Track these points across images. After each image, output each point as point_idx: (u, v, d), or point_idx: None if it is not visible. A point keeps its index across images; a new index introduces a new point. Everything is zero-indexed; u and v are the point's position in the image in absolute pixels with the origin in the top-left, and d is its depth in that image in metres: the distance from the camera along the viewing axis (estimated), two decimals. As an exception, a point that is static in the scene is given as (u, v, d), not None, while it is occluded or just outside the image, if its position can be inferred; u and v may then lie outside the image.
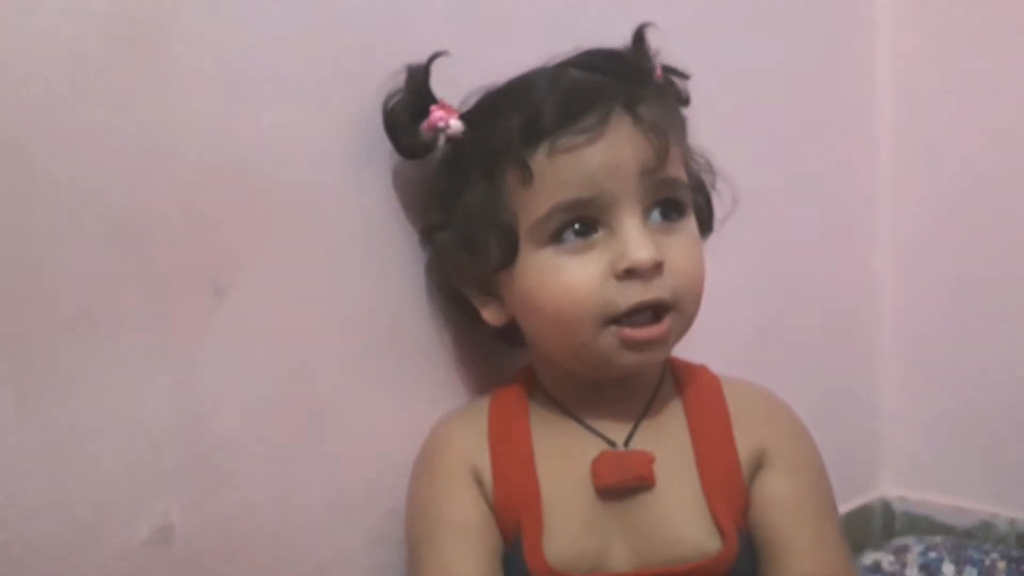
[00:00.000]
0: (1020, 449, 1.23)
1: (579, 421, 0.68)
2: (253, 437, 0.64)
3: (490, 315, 0.70)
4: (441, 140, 0.68)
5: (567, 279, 0.63)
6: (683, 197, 0.66)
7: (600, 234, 0.63)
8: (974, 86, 1.22)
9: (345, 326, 0.69)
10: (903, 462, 1.33)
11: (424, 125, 0.67)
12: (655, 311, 0.63)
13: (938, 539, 1.18)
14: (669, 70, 0.70)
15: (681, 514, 0.65)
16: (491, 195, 0.65)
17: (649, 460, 0.65)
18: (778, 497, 0.67)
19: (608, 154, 0.62)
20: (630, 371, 0.67)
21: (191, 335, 0.61)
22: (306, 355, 0.67)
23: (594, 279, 0.62)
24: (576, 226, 0.63)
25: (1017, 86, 1.18)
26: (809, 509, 0.67)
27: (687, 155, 0.69)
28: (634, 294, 0.62)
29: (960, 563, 1.10)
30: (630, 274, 0.62)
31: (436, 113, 0.66)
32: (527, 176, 0.62)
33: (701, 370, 0.73)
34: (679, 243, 0.65)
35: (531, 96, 0.63)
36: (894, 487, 1.34)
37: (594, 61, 0.66)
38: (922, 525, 1.30)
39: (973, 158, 1.22)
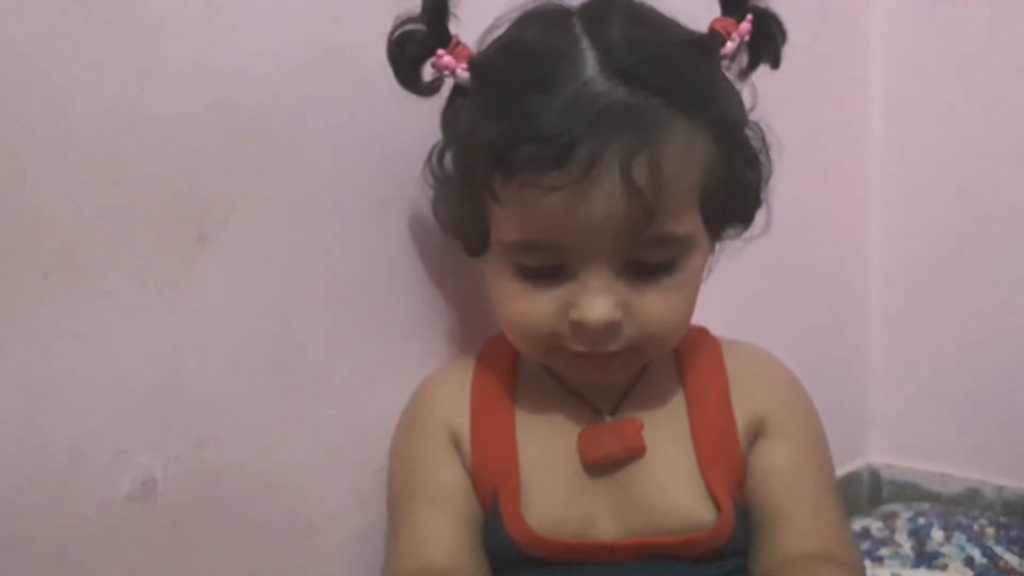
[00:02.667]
0: (1006, 417, 1.24)
1: (566, 388, 0.65)
2: (238, 392, 0.61)
3: (478, 263, 0.66)
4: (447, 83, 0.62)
5: (523, 308, 0.59)
6: (672, 250, 0.57)
7: (566, 272, 0.57)
8: (966, 63, 1.22)
9: (336, 278, 0.67)
10: (890, 430, 1.34)
11: (430, 64, 0.60)
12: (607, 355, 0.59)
13: (926, 506, 1.18)
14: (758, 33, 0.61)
15: (673, 483, 0.62)
16: (468, 189, 0.60)
17: (638, 428, 0.62)
18: (776, 469, 0.63)
19: (581, 214, 0.54)
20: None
21: (174, 284, 0.58)
22: (294, 308, 0.64)
23: (547, 317, 0.58)
24: (541, 259, 0.57)
25: (1007, 62, 1.18)
26: (808, 482, 0.64)
27: (721, 169, 0.58)
28: (582, 344, 0.58)
29: (949, 529, 1.09)
30: (579, 327, 0.57)
31: (444, 59, 0.59)
32: (495, 197, 0.56)
33: (702, 332, 0.69)
34: (658, 293, 0.57)
35: (523, 107, 0.54)
36: (881, 455, 1.34)
37: (641, 60, 0.54)
38: (909, 492, 1.31)
39: (963, 133, 1.23)
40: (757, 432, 0.65)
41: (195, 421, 0.59)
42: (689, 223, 0.57)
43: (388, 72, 0.62)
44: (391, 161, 0.69)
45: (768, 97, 0.67)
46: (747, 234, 0.65)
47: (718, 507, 0.61)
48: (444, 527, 0.61)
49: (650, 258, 0.57)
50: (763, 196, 0.64)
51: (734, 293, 1.02)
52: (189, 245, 0.59)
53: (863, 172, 1.31)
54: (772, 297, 1.09)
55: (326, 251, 0.66)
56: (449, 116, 0.63)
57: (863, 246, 1.33)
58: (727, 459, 0.63)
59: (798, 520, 0.61)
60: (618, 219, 0.54)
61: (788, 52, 0.64)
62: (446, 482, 0.63)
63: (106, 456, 0.55)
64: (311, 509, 0.65)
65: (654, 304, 0.57)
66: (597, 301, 0.55)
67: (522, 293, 0.58)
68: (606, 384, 0.63)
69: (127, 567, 0.56)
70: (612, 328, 0.56)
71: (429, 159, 0.65)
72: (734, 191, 0.60)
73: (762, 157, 0.63)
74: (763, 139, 0.63)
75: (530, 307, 0.58)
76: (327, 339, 0.66)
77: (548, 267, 0.57)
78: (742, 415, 0.64)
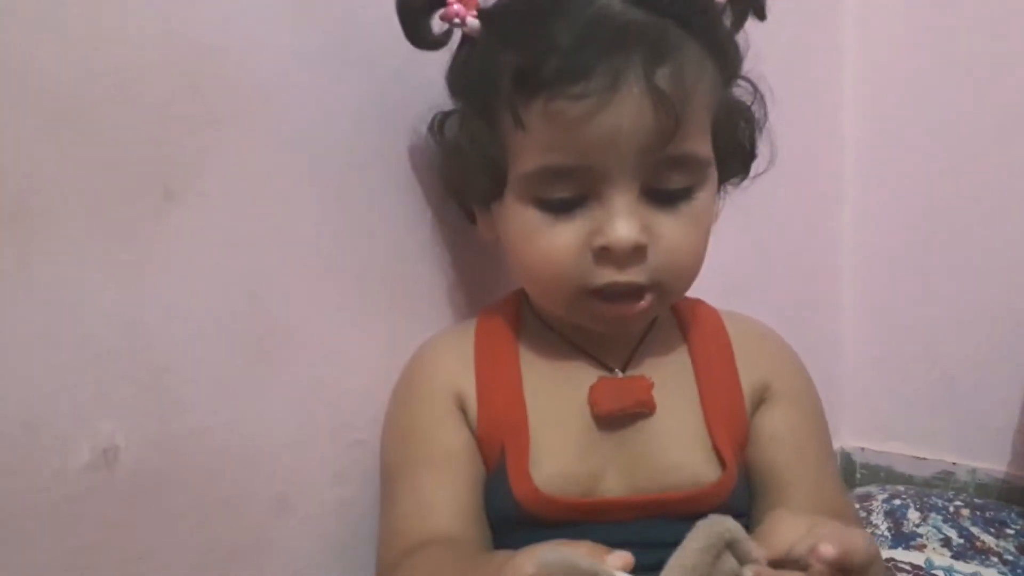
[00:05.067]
0: (980, 400, 1.24)
1: (573, 345, 0.64)
2: (206, 357, 0.58)
3: (483, 227, 0.66)
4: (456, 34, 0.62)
5: (545, 244, 0.58)
6: (692, 171, 0.58)
7: (588, 200, 0.57)
8: (938, 51, 1.22)
9: (311, 240, 0.63)
10: (863, 414, 1.34)
11: (439, 15, 0.60)
12: (632, 291, 0.58)
13: (901, 488, 1.18)
14: None
15: (680, 441, 0.61)
16: (485, 126, 0.60)
17: (649, 386, 0.62)
18: (782, 433, 0.64)
19: (607, 127, 0.54)
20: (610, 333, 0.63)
21: (139, 242, 0.55)
22: (267, 270, 0.61)
23: (570, 250, 0.57)
24: (562, 191, 0.57)
25: (977, 49, 1.19)
26: (811, 446, 0.65)
27: (722, 112, 0.61)
28: (608, 274, 0.57)
29: (925, 510, 1.09)
30: (606, 252, 0.56)
31: (453, 6, 0.60)
32: (518, 121, 0.56)
33: (699, 303, 0.70)
34: (677, 220, 0.58)
35: (542, 30, 0.55)
36: (854, 438, 1.34)
37: None
38: (882, 475, 1.31)
39: (937, 118, 1.24)
40: (761, 398, 0.65)
41: (161, 387, 0.55)
42: (705, 148, 0.59)
43: (367, 29, 0.59)
44: (369, 120, 0.66)
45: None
46: (753, 172, 0.66)
47: (723, 464, 0.61)
48: (448, 491, 0.60)
49: (670, 182, 0.57)
50: (756, 150, 0.65)
51: (707, 281, 1.01)
52: (155, 202, 0.55)
53: (836, 160, 1.31)
54: (746, 283, 1.08)
55: (301, 211, 0.63)
56: (458, 65, 0.63)
57: (836, 233, 1.33)
58: (733, 420, 0.63)
59: (805, 483, 0.62)
60: (645, 130, 0.54)
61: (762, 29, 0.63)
62: (450, 445, 0.61)
63: (64, 422, 0.51)
64: (284, 482, 0.62)
65: (674, 232, 0.58)
66: (623, 223, 0.56)
67: (544, 229, 0.58)
68: (630, 330, 0.63)
69: (86, 542, 0.52)
70: (638, 252, 0.56)
71: (432, 127, 0.65)
72: (736, 130, 0.62)
73: (755, 108, 0.64)
74: (755, 90, 0.64)
75: (553, 242, 0.57)
76: (301, 303, 0.63)
77: (570, 199, 0.57)
78: (747, 379, 0.65)
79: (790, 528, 0.46)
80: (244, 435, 0.60)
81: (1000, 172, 1.19)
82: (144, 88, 0.54)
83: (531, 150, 0.57)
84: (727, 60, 0.60)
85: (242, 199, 0.59)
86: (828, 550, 0.43)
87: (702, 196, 0.59)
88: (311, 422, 0.63)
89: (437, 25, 0.61)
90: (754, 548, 0.44)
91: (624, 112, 0.54)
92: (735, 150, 0.63)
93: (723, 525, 0.43)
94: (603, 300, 0.58)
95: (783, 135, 1.12)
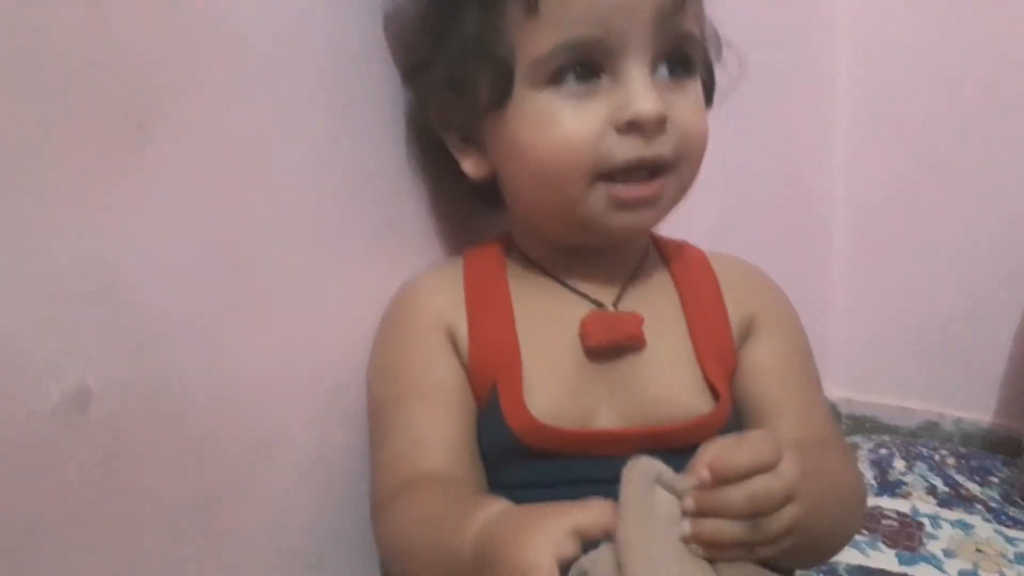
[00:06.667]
0: (964, 350, 1.24)
1: (563, 283, 0.64)
2: (181, 300, 0.55)
3: (471, 166, 0.64)
4: None
5: (563, 127, 0.57)
6: (695, 53, 0.60)
7: (603, 80, 0.57)
8: (928, 31, 1.21)
9: (290, 180, 0.61)
10: (849, 364, 1.34)
11: None
12: (651, 170, 0.58)
13: (886, 438, 1.18)
14: None
15: (672, 375, 0.62)
16: (488, 25, 0.58)
17: (639, 321, 0.61)
18: (768, 363, 0.65)
19: None
20: (617, 236, 0.62)
21: (111, 180, 0.51)
22: (245, 209, 0.58)
23: (592, 129, 0.57)
24: (577, 69, 0.57)
25: (963, 28, 1.18)
26: (799, 376, 0.66)
27: (703, 15, 0.63)
28: (633, 149, 0.57)
29: (910, 459, 1.09)
30: (632, 127, 0.56)
31: None
32: (532, 5, 0.56)
33: (685, 243, 0.71)
34: (685, 101, 0.59)
35: None
36: (840, 389, 1.34)
37: None
38: (868, 426, 1.31)
39: (927, 77, 1.23)
40: (748, 330, 0.66)
41: (135, 326, 0.53)
42: (699, 37, 0.61)
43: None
44: (353, 62, 0.64)
45: (737, 35, 0.66)
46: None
47: (715, 395, 0.61)
48: (441, 424, 0.59)
49: (681, 46, 0.59)
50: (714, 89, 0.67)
51: (694, 229, 0.99)
52: (129, 139, 0.52)
53: (827, 111, 1.30)
54: (732, 233, 1.07)
55: (281, 150, 0.60)
56: None
57: (825, 184, 1.32)
58: (722, 351, 0.64)
59: (794, 410, 0.63)
60: (658, 2, 0.56)
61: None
62: (442, 378, 0.61)
63: (32, 363, 0.48)
64: (265, 426, 0.60)
65: (685, 108, 0.59)
66: (647, 95, 0.56)
67: (562, 114, 0.57)
68: (637, 228, 0.62)
69: (57, 489, 0.50)
70: (662, 123, 0.57)
71: (410, 71, 0.65)
72: (708, 51, 0.64)
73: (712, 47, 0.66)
74: (717, 37, 0.66)
75: (578, 123, 0.57)
76: (281, 243, 0.60)
77: (587, 78, 0.57)
78: (734, 313, 0.66)
79: (716, 452, 0.46)
80: (223, 378, 0.57)
81: (990, 123, 1.19)
82: (116, 22, 0.51)
83: (545, 31, 0.56)
84: None
85: (220, 138, 0.57)
86: (699, 471, 0.45)
87: (698, 84, 0.61)
88: (292, 365, 0.61)
89: None
90: (678, 480, 0.45)
91: None
92: (707, 64, 0.65)
93: (646, 465, 0.45)
94: (622, 183, 0.58)
95: (775, 83, 1.11)
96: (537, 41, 0.57)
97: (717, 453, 0.46)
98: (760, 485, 0.45)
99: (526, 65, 0.57)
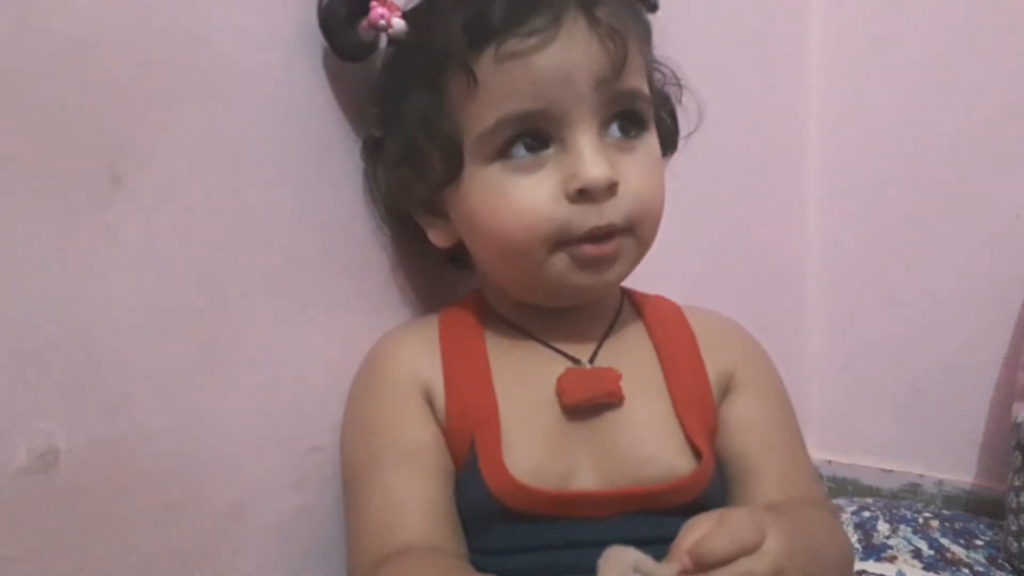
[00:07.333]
0: (946, 411, 1.23)
1: (538, 340, 0.63)
2: (154, 354, 0.54)
3: (436, 236, 0.64)
4: (383, 41, 0.62)
5: (516, 200, 0.57)
6: (643, 110, 0.61)
7: (551, 150, 0.58)
8: (899, 40, 1.23)
9: (266, 233, 0.60)
10: (830, 426, 1.33)
11: (363, 24, 0.60)
12: (607, 232, 0.58)
13: (870, 500, 1.17)
14: None
15: (652, 434, 0.60)
16: (434, 103, 0.59)
17: (617, 377, 0.61)
18: (749, 419, 0.64)
19: (560, 60, 0.56)
20: (582, 295, 0.62)
21: (83, 228, 0.51)
22: (218, 263, 0.58)
23: (543, 200, 0.57)
24: (526, 140, 0.58)
25: (937, 39, 1.20)
26: (779, 431, 0.65)
27: (650, 65, 0.64)
28: (588, 218, 0.57)
29: (894, 522, 1.08)
30: (583, 195, 0.57)
31: (376, 10, 0.60)
32: (472, 83, 0.57)
33: (659, 298, 0.70)
34: (637, 161, 0.60)
35: None
36: (821, 451, 1.33)
37: None
38: (849, 488, 1.29)
39: (901, 130, 1.24)
40: (727, 387, 0.65)
41: (105, 384, 0.52)
42: (647, 89, 0.61)
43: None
44: (330, 108, 0.64)
45: (705, 71, 0.68)
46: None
47: (697, 454, 0.60)
48: (419, 489, 0.57)
49: (626, 106, 0.59)
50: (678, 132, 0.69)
51: (670, 287, 0.99)
52: (101, 186, 0.52)
53: (800, 167, 1.31)
54: (708, 291, 1.06)
55: (258, 202, 0.60)
56: (389, 64, 0.64)
57: (802, 245, 1.32)
58: (702, 409, 0.62)
59: (776, 469, 0.62)
60: (597, 61, 0.56)
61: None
62: (420, 439, 0.59)
63: (-1, 421, 0.47)
64: (239, 489, 0.58)
65: (637, 171, 0.59)
66: (595, 161, 0.56)
67: (512, 186, 0.57)
68: (601, 286, 0.61)
69: (23, 550, 0.48)
70: (612, 188, 0.57)
71: (366, 145, 0.65)
72: (663, 98, 0.66)
73: (671, 90, 0.68)
74: (676, 78, 0.68)
75: (530, 195, 0.57)
76: (256, 298, 0.60)
77: (533, 149, 0.58)
78: (712, 367, 0.64)
79: (697, 534, 0.45)
80: (196, 438, 0.56)
81: (966, 180, 1.19)
82: (91, 62, 0.51)
83: (488, 105, 0.57)
84: (645, 20, 0.63)
85: (195, 186, 0.56)
86: (681, 557, 0.44)
87: (652, 139, 0.61)
88: (267, 425, 0.60)
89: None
90: (658, 568, 0.44)
91: (574, 44, 0.56)
92: (664, 115, 0.66)
93: (626, 556, 0.44)
94: (580, 256, 0.58)
95: (748, 138, 1.12)
96: (480, 117, 0.57)
97: (697, 537, 0.44)
98: (744, 568, 0.44)
99: (473, 140, 0.58)
